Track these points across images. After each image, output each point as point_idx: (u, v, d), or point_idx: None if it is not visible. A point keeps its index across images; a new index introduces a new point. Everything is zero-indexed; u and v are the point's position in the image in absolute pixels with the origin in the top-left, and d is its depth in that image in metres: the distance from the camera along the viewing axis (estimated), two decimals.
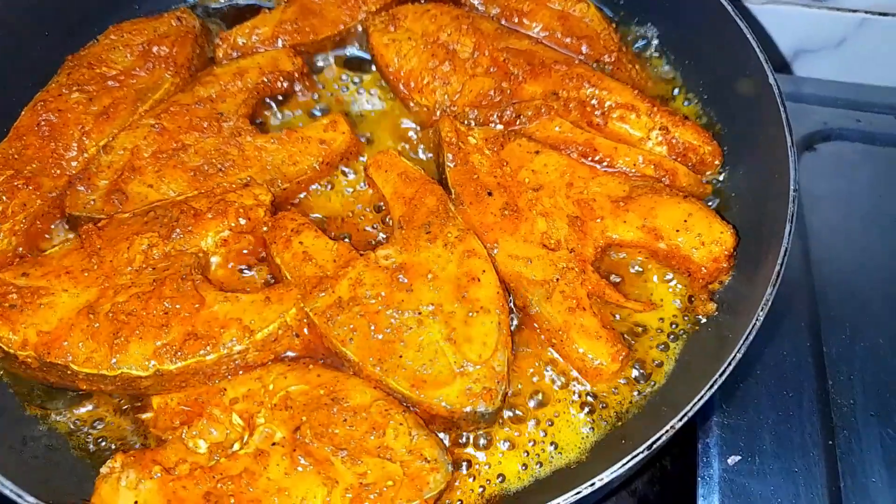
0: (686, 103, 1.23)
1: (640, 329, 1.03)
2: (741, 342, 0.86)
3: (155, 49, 1.25)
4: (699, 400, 0.82)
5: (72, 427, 0.96)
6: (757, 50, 1.08)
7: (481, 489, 0.93)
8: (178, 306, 0.95)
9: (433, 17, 1.28)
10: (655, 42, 1.29)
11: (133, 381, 0.93)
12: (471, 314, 0.97)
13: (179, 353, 0.93)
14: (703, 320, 1.03)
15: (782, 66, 1.63)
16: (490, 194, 1.09)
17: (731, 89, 1.16)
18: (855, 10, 1.57)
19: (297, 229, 1.07)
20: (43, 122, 1.16)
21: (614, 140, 1.15)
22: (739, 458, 1.09)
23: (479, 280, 1.00)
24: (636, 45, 1.30)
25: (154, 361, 0.92)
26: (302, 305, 0.99)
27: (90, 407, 0.98)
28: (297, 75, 1.26)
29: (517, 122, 1.17)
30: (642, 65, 1.27)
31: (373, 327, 0.97)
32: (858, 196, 1.39)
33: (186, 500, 0.84)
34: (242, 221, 1.07)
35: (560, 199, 1.09)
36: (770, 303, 0.89)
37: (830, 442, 1.11)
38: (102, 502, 0.85)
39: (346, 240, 1.11)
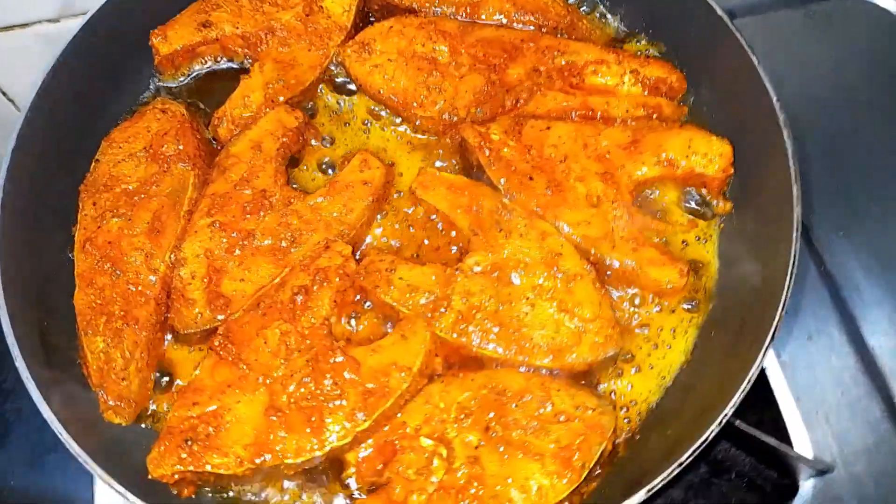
0: (636, 42, 1.43)
1: (683, 244, 1.28)
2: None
3: (162, 149, 1.28)
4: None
5: None
6: None
7: (628, 417, 1.17)
8: (343, 374, 1.09)
9: (399, 32, 1.38)
10: None
11: (338, 451, 1.07)
12: (570, 284, 1.17)
13: (367, 411, 1.07)
14: (724, 218, 1.28)
15: None
16: (531, 178, 1.26)
17: (673, 19, 1.36)
18: None
19: (390, 267, 1.20)
20: (101, 260, 1.19)
21: (597, 94, 1.35)
22: None
23: (561, 254, 1.19)
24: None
25: (350, 424, 1.06)
26: (432, 330, 1.15)
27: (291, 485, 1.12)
28: (302, 127, 1.33)
29: (518, 107, 1.34)
30: (590, 18, 1.44)
31: (497, 326, 1.15)
32: None
33: None
34: (339, 280, 1.19)
35: (584, 161, 1.28)
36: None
37: None
38: None
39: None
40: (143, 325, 1.16)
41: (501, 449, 1.07)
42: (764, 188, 1.19)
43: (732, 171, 1.26)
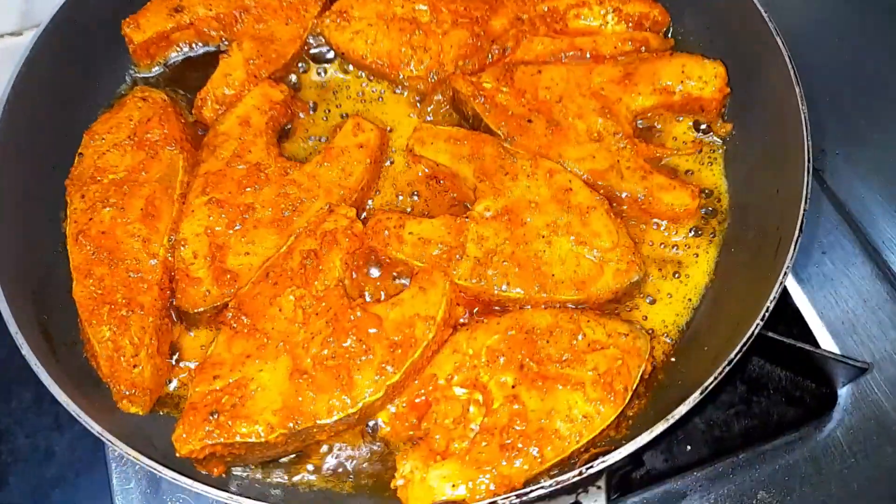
0: None
1: (687, 173, 1.26)
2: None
3: (147, 136, 1.24)
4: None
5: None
6: None
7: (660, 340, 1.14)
8: (366, 331, 1.04)
9: None
10: None
11: (370, 407, 1.02)
12: (583, 216, 1.15)
13: (395, 363, 1.03)
14: (727, 140, 1.27)
15: None
16: (530, 121, 1.24)
17: None
18: None
19: (398, 224, 1.16)
20: (97, 251, 1.14)
21: (582, 36, 1.34)
22: None
23: (571, 189, 1.17)
24: None
25: (380, 378, 1.02)
26: (451, 280, 1.11)
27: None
28: (289, 100, 1.30)
29: (505, 56, 1.32)
30: None
31: (516, 266, 1.12)
32: None
33: (490, 458, 0.97)
34: (348, 241, 1.15)
35: (580, 100, 1.26)
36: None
37: None
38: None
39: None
40: (149, 310, 1.11)
41: (540, 384, 1.03)
42: (766, 98, 1.18)
43: (728, 90, 1.25)
